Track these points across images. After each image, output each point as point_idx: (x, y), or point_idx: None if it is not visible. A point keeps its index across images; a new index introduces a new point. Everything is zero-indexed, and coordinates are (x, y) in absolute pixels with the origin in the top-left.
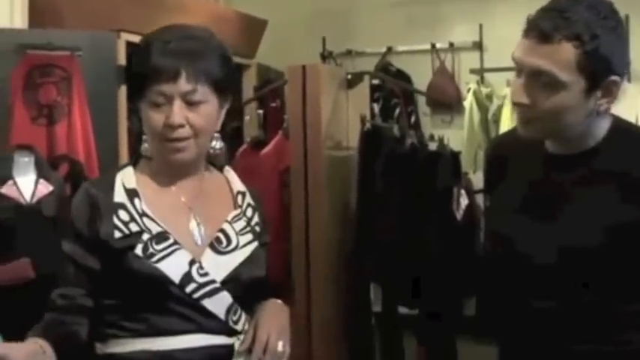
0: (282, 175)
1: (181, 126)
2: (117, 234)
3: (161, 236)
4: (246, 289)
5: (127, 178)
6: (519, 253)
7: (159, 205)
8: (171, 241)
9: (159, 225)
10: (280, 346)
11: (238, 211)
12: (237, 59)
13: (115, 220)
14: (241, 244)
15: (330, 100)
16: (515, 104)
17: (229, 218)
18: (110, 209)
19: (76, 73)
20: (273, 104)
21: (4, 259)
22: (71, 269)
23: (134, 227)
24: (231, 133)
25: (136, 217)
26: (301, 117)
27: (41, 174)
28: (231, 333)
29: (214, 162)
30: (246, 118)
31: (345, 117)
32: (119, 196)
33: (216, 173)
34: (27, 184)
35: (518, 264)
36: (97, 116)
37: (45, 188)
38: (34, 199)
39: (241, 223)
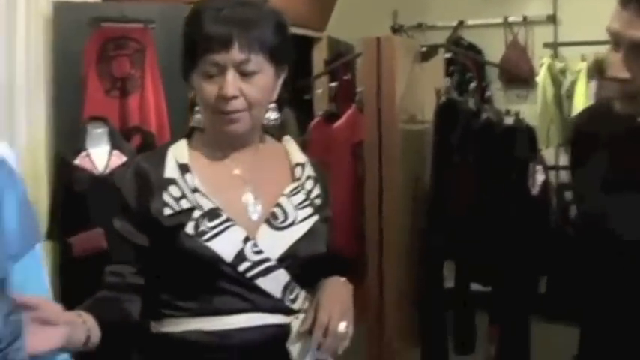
0: (355, 148)
1: (235, 97)
2: (167, 211)
3: (213, 213)
4: (305, 266)
5: (179, 152)
6: (608, 230)
7: (212, 180)
8: (223, 217)
9: (211, 201)
10: (343, 327)
11: (296, 184)
12: (307, 32)
13: (166, 197)
14: (299, 218)
15: (405, 72)
16: (614, 79)
17: (286, 192)
18: (160, 185)
19: (149, 45)
20: (345, 77)
21: (78, 230)
22: (122, 246)
23: (185, 204)
24: (302, 106)
25: (187, 193)
26: (375, 90)
27: (115, 145)
28: (288, 312)
29: (274, 133)
30: (318, 91)
31: (420, 90)
32: (170, 171)
33: (273, 144)
34: (100, 156)
35: (606, 241)
36: (170, 88)
37: (118, 159)
38: (108, 170)
39: (299, 197)
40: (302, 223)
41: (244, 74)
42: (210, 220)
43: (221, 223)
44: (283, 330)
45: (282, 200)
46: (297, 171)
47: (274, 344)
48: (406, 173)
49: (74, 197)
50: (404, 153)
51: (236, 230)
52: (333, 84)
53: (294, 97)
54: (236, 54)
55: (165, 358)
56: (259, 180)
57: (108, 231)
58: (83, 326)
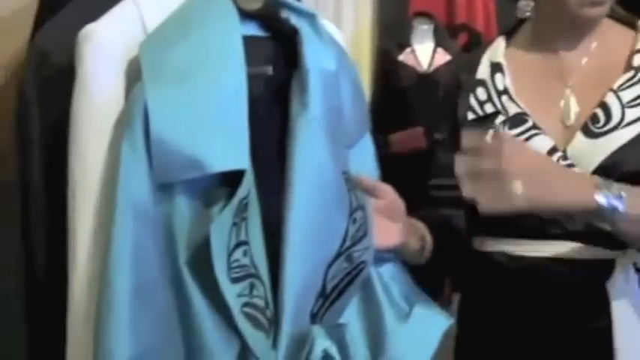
0: None
1: None
2: (470, 115)
3: (518, 118)
4: (631, 182)
5: (494, 50)
6: None
7: (527, 79)
8: (528, 124)
9: (518, 105)
10: None
11: (631, 73)
12: None
13: (472, 100)
14: (627, 120)
15: None
16: None
17: (616, 85)
18: (470, 87)
19: None
20: None
21: (398, 127)
22: (444, 157)
23: (489, 108)
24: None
25: (494, 95)
26: None
27: (440, 43)
28: (607, 243)
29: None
30: None
31: None
32: (482, 71)
33: (618, 30)
34: (425, 52)
35: None
36: None
37: (442, 57)
38: (431, 68)
39: (632, 92)
40: (630, 126)
41: None
42: (513, 126)
43: (525, 131)
44: (603, 265)
45: (609, 97)
46: (636, 59)
47: (591, 282)
48: None
49: (396, 93)
50: None
51: (542, 139)
52: None
53: None
54: None
55: (483, 276)
56: (589, 75)
57: (428, 131)
58: (418, 233)
